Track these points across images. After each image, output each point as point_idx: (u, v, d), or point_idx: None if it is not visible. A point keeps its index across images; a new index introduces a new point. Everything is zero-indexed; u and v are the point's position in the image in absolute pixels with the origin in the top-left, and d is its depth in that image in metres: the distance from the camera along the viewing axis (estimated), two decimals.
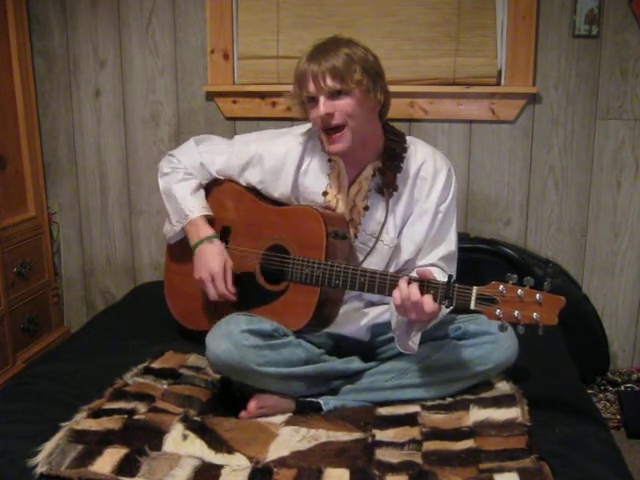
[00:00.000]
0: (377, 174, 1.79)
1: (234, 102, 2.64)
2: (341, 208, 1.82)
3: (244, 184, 1.92)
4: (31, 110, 2.69)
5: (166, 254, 2.07)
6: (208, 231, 1.88)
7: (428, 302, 1.51)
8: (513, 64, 2.46)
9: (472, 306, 1.49)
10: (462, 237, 2.51)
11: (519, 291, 1.45)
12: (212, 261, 1.83)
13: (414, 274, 1.60)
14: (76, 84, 2.74)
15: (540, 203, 2.57)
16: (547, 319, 1.43)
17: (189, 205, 1.90)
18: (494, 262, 2.48)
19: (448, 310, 1.67)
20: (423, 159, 1.81)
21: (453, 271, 1.81)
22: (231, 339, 1.61)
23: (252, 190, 1.92)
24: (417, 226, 1.80)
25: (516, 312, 1.45)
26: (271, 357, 1.63)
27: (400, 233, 1.81)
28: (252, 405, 1.68)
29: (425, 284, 1.53)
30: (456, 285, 1.50)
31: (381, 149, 1.80)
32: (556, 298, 1.44)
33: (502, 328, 1.48)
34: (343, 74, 1.64)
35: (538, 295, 1.43)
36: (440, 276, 1.68)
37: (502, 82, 2.50)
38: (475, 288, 1.49)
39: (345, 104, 1.67)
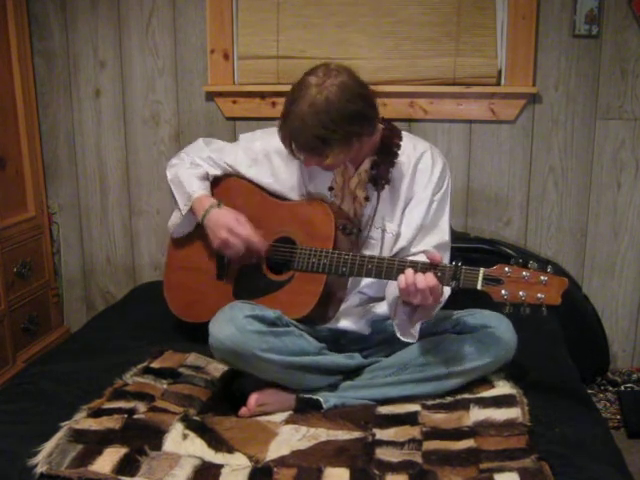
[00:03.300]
0: (373, 167, 1.82)
1: (234, 102, 2.64)
2: (347, 201, 1.85)
3: (254, 181, 1.94)
4: (31, 110, 2.69)
5: (169, 247, 2.07)
6: (212, 200, 1.89)
7: (434, 289, 1.54)
8: (513, 64, 2.46)
9: (479, 286, 1.54)
10: (462, 237, 2.53)
11: (524, 272, 1.51)
12: (225, 219, 1.84)
13: (417, 257, 1.64)
14: (76, 84, 2.74)
15: (540, 203, 2.57)
16: (551, 299, 1.49)
17: (194, 187, 1.91)
18: (494, 262, 2.46)
19: (446, 297, 1.70)
20: (421, 152, 1.85)
21: (446, 262, 1.82)
22: (235, 324, 1.61)
23: (262, 186, 1.93)
24: (414, 213, 1.84)
25: (521, 292, 1.50)
26: (274, 344, 1.64)
27: (401, 222, 1.85)
28: (252, 401, 1.68)
29: (433, 267, 1.56)
30: (463, 267, 1.55)
31: (378, 143, 1.82)
32: (559, 279, 1.50)
33: (507, 309, 1.53)
34: (318, 154, 1.67)
35: (542, 276, 1.50)
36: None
37: (502, 82, 2.51)
38: (482, 269, 1.54)
39: (328, 163, 1.70)
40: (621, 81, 2.43)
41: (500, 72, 2.51)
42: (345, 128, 1.64)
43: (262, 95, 2.59)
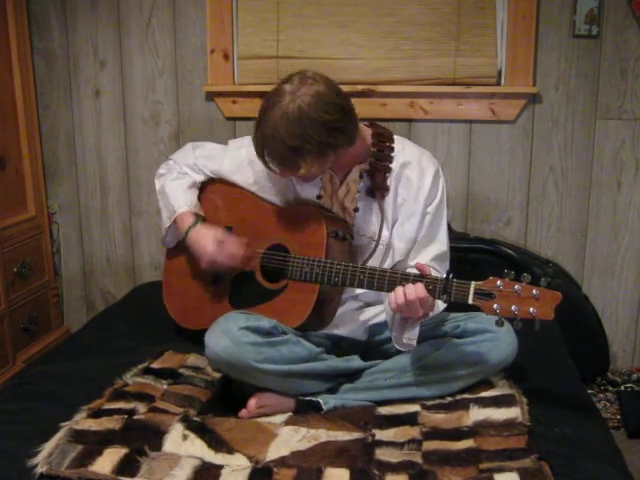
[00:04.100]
0: (365, 176, 1.80)
1: (234, 102, 2.64)
2: (336, 210, 1.83)
3: (239, 186, 1.93)
4: (31, 110, 2.69)
5: (166, 255, 2.07)
6: (191, 219, 1.88)
7: (424, 300, 1.54)
8: (513, 64, 2.46)
9: (470, 300, 1.52)
10: (462, 237, 2.53)
11: (516, 286, 1.48)
12: (204, 243, 1.84)
13: (413, 270, 1.62)
14: (76, 84, 2.74)
15: (540, 203, 2.57)
16: (543, 314, 1.47)
17: (179, 202, 1.91)
18: (494, 262, 2.48)
19: (441, 309, 1.70)
20: (408, 159, 1.81)
21: (445, 271, 1.81)
22: (230, 336, 1.61)
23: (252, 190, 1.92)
24: (406, 227, 1.81)
25: (513, 307, 1.48)
26: (270, 354, 1.63)
27: (391, 233, 1.82)
28: (252, 404, 1.68)
29: (424, 280, 1.55)
30: (454, 280, 1.53)
31: (368, 151, 1.79)
32: (552, 293, 1.47)
33: (499, 323, 1.52)
34: (291, 165, 1.64)
35: (535, 290, 1.47)
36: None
37: (502, 82, 2.50)
38: (473, 283, 1.52)
39: (302, 174, 1.67)
40: (621, 81, 2.43)
41: (500, 72, 2.50)
42: (318, 139, 1.59)
43: (262, 95, 2.53)
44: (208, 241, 1.83)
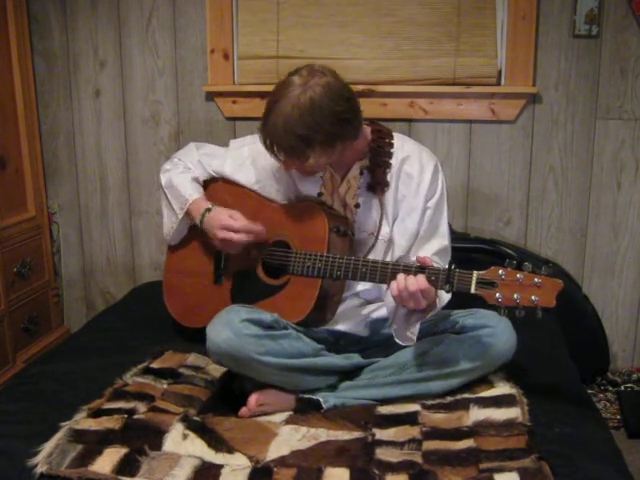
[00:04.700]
0: (366, 172, 1.81)
1: (234, 102, 2.64)
2: (337, 207, 1.84)
3: (241, 184, 1.93)
4: (31, 110, 2.69)
5: (166, 254, 2.07)
6: (207, 203, 1.88)
7: (426, 291, 1.54)
8: (513, 64, 2.46)
9: (472, 290, 1.53)
10: (462, 237, 2.53)
11: (518, 275, 1.49)
12: (219, 219, 1.81)
13: (414, 260, 1.63)
14: (76, 84, 2.74)
15: (540, 203, 2.57)
16: (545, 302, 1.48)
17: (189, 191, 1.91)
18: (494, 262, 2.46)
19: (445, 302, 1.70)
20: (407, 154, 1.82)
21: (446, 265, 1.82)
22: (231, 328, 1.61)
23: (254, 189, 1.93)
24: (407, 222, 1.82)
25: (515, 295, 1.49)
26: (271, 347, 1.64)
27: (392, 228, 1.83)
28: (252, 401, 1.68)
29: (426, 271, 1.56)
30: (457, 270, 1.54)
31: (367, 147, 1.81)
32: (554, 281, 1.48)
33: (500, 311, 1.52)
34: (299, 155, 1.66)
35: (536, 279, 1.48)
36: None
37: (502, 82, 2.51)
38: (475, 272, 1.53)
39: (309, 165, 1.68)
40: (621, 81, 2.43)
41: (500, 72, 2.51)
42: (328, 129, 1.62)
43: (262, 95, 2.58)
44: (223, 217, 1.81)
